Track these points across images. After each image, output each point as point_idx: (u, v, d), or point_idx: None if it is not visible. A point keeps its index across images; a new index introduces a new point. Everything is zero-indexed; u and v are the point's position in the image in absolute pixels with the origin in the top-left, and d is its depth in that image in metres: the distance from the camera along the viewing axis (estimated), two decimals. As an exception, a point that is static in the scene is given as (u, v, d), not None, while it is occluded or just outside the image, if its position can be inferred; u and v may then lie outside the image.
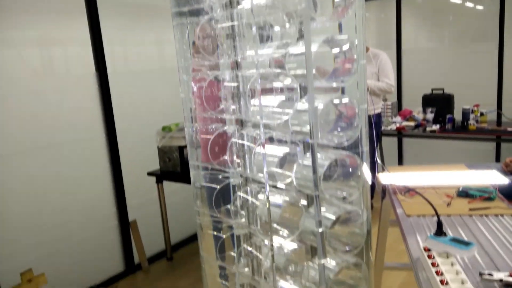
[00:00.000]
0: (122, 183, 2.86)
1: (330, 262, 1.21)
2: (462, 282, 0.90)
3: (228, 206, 1.38)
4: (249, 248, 1.32)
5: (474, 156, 4.11)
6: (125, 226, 2.91)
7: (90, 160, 2.68)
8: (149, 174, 3.00)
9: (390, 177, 1.79)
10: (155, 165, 3.00)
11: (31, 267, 2.34)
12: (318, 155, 1.06)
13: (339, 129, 1.13)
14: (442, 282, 0.90)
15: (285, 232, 1.25)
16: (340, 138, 1.07)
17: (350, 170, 1.23)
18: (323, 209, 1.13)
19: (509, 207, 1.41)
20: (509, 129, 3.45)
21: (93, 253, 2.72)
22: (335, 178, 1.22)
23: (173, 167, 2.93)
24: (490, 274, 0.96)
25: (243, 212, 1.33)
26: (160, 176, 2.98)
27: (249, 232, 1.34)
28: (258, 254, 1.29)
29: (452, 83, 4.02)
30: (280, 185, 1.22)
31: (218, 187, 1.39)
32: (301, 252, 1.27)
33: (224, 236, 1.43)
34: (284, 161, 1.22)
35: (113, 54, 2.81)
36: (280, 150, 1.19)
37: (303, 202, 1.20)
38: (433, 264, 0.99)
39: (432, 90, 3.97)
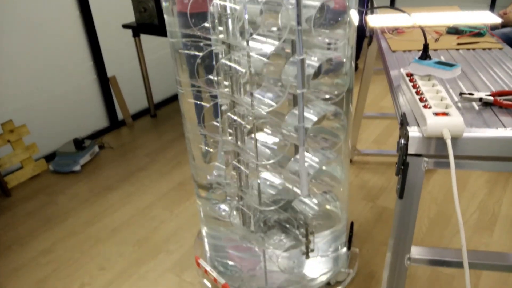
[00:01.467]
0: (96, 35, 2.69)
1: (311, 112, 1.19)
2: (441, 99, 0.89)
3: (210, 76, 1.30)
4: (234, 117, 1.28)
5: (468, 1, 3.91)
6: (105, 81, 2.84)
7: (57, 11, 2.47)
8: (124, 26, 2.81)
9: (379, 19, 1.69)
10: (131, 17, 2.80)
11: (11, 119, 2.32)
12: None
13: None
14: (421, 99, 0.89)
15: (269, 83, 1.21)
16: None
17: (337, 15, 1.14)
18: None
19: (498, 41, 1.36)
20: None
21: (75, 107, 2.69)
22: (321, 24, 1.13)
23: (149, 18, 2.74)
24: (471, 94, 0.94)
25: (226, 83, 1.26)
26: (136, 28, 2.80)
27: (233, 101, 1.28)
28: (242, 122, 1.26)
29: None
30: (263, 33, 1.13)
31: (200, 54, 1.28)
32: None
33: (208, 105, 1.37)
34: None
35: None
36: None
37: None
38: (413, 86, 0.97)
39: None
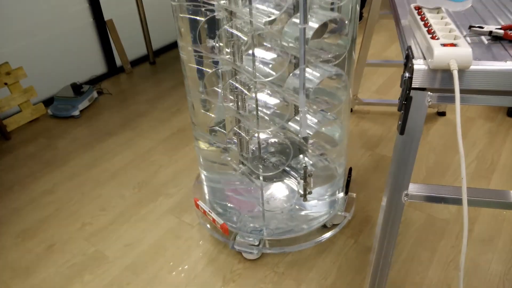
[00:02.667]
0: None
1: (313, 73, 1.16)
2: (450, 31, 0.85)
3: (212, 42, 1.25)
4: (235, 84, 1.24)
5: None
6: (102, 25, 2.75)
7: None
8: (121, -34, 2.70)
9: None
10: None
11: (7, 61, 2.28)
12: None
13: None
14: (429, 31, 0.85)
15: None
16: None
17: None
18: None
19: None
20: None
21: (72, 51, 2.63)
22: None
23: (147, -42, 2.62)
24: (481, 27, 0.90)
25: (227, 49, 1.22)
26: (134, -31, 2.69)
27: (234, 69, 1.24)
28: (243, 89, 1.22)
29: None
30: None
31: (204, 19, 1.23)
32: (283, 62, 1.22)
33: (209, 71, 1.33)
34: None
35: None
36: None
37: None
38: (421, 19, 0.92)
39: None
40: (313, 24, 1.12)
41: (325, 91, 1.32)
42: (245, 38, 1.16)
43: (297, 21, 1.02)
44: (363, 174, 1.87)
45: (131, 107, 2.51)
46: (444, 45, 0.79)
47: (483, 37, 0.91)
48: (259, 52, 1.23)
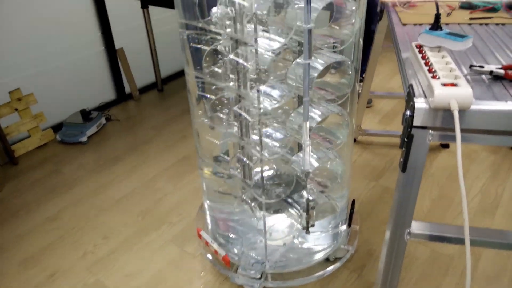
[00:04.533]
0: (104, 5, 2.67)
1: (315, 111, 1.19)
2: (451, 71, 0.86)
3: (216, 69, 1.29)
4: (239, 111, 1.27)
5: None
6: (112, 53, 2.82)
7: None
8: (133, -3, 2.78)
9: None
10: (139, -12, 2.76)
11: (19, 87, 2.33)
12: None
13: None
14: (430, 70, 0.87)
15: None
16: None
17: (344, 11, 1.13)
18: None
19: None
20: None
21: (83, 78, 2.69)
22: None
23: (158, -10, 2.70)
24: (481, 66, 0.92)
25: (232, 76, 1.25)
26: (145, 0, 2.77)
27: (239, 95, 1.27)
28: (247, 116, 1.25)
29: None
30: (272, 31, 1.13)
31: (208, 48, 1.27)
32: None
33: (214, 98, 1.36)
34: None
35: None
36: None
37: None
38: (423, 57, 0.94)
39: None
40: (318, 66, 1.15)
41: (328, 130, 1.34)
42: (249, 67, 1.18)
43: (301, 111, 1.05)
44: (366, 205, 1.86)
45: (138, 133, 2.54)
46: (444, 84, 0.80)
47: (483, 76, 0.93)
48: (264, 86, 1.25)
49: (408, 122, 0.84)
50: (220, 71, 1.28)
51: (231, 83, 1.25)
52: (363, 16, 1.25)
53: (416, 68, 0.97)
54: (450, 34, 0.97)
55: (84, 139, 2.43)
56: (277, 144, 1.28)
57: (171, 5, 2.64)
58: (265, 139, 1.28)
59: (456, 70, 0.86)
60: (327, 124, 1.34)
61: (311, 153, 1.23)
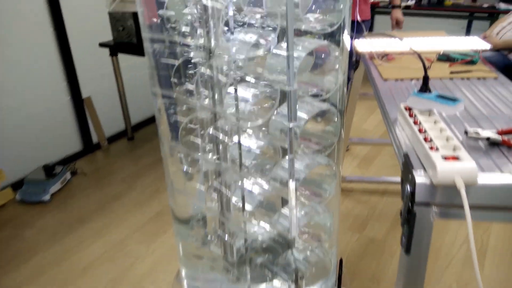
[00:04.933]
0: (70, 53, 2.56)
1: (300, 163, 1.12)
2: (447, 140, 0.81)
3: (189, 86, 1.19)
4: (215, 132, 1.18)
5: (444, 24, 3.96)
6: (79, 102, 2.69)
7: (30, 29, 2.33)
8: (101, 45, 2.69)
9: (366, 44, 1.63)
10: (108, 36, 2.68)
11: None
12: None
13: (318, 10, 0.92)
14: (426, 139, 0.81)
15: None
16: (321, 21, 0.86)
17: (327, 60, 1.07)
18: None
19: (491, 70, 1.31)
20: (484, 5, 3.29)
21: (46, 130, 2.53)
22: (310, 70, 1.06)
23: (127, 37, 2.63)
24: (477, 133, 0.87)
25: (205, 92, 1.15)
26: (114, 47, 2.69)
27: (214, 114, 1.18)
28: (224, 137, 1.15)
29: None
30: (248, 79, 1.05)
31: (177, 62, 1.18)
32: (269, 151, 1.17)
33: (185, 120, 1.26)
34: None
35: None
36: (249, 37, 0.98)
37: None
38: (415, 123, 0.89)
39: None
40: (303, 115, 1.07)
41: (314, 182, 1.26)
42: (225, 80, 1.08)
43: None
44: (353, 261, 1.77)
45: (106, 188, 2.39)
46: (445, 158, 0.74)
47: (480, 142, 0.88)
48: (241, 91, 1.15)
49: (408, 198, 0.77)
50: (192, 87, 1.16)
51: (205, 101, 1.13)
52: (346, 62, 1.20)
53: (408, 133, 0.91)
54: (440, 97, 0.92)
55: (47, 197, 2.25)
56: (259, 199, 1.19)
57: (141, 53, 2.58)
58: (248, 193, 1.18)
59: (454, 139, 0.81)
60: (312, 175, 1.26)
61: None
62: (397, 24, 2.51)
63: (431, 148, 0.78)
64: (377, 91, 1.23)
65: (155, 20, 1.11)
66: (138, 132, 3.09)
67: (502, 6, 3.10)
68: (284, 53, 0.87)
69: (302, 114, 1.08)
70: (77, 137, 2.76)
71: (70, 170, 2.50)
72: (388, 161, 2.53)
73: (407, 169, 0.79)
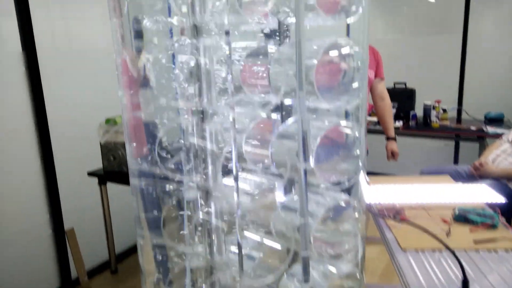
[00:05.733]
0: (56, 185, 2.44)
1: (316, 273, 0.95)
2: None
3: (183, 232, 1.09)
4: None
5: (432, 154, 4.04)
6: (61, 235, 2.50)
7: (16, 157, 2.24)
8: (90, 174, 2.59)
9: (372, 192, 1.56)
10: (97, 164, 2.60)
11: None
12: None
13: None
14: None
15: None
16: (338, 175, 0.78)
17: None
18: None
19: (515, 236, 1.22)
20: (472, 127, 3.39)
21: (21, 268, 2.30)
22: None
23: (118, 166, 2.55)
24: None
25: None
26: (104, 177, 2.59)
27: (210, 266, 1.05)
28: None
29: (413, 77, 3.89)
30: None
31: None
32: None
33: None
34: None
35: (44, 29, 2.34)
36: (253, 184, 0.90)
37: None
38: None
39: (394, 84, 3.83)
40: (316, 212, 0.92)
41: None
42: (225, 228, 0.94)
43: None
44: None
45: None
46: None
47: None
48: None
49: None
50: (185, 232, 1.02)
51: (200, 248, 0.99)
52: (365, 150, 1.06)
53: None
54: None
55: None
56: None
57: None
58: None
59: None
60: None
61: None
62: (392, 156, 2.50)
63: None
64: (398, 266, 1.11)
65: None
66: (123, 263, 2.86)
67: (490, 129, 3.18)
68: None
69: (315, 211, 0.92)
70: (55, 273, 2.52)
71: (44, 316, 2.22)
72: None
73: None
